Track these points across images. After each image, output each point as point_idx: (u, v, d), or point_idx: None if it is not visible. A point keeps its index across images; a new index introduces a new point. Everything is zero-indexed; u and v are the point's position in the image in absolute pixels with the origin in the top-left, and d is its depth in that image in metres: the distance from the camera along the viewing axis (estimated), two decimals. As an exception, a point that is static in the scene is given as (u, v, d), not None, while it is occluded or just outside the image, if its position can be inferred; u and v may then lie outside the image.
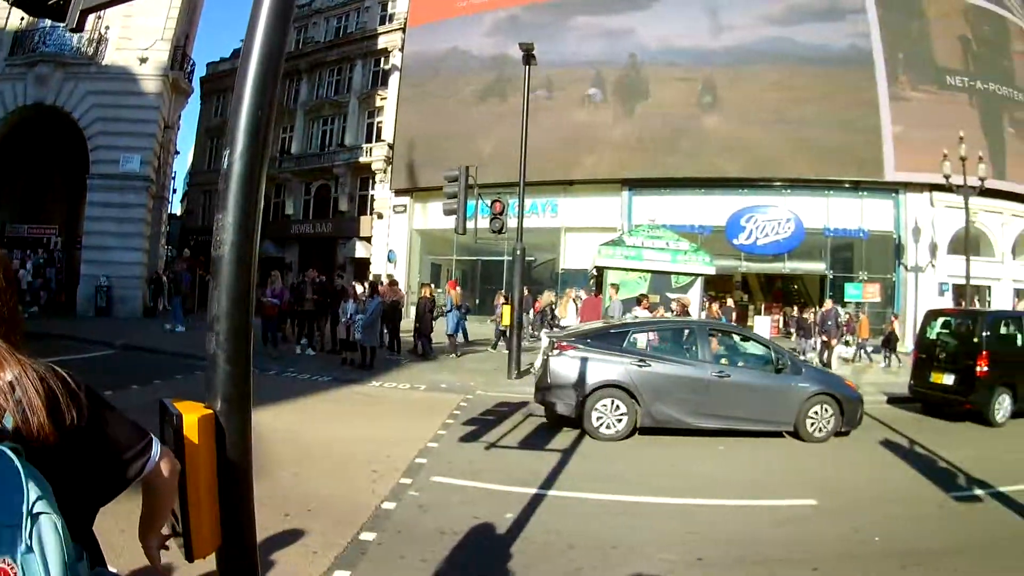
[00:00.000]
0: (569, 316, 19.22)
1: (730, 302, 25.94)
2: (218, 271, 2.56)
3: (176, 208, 51.90)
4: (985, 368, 13.56)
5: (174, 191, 44.12)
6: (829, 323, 21.80)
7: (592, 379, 11.22)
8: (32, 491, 1.51)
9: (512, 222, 18.89)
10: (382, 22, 42.18)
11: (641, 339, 12.20)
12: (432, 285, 23.40)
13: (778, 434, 11.63)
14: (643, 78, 32.57)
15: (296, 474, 8.29)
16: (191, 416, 2.28)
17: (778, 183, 30.82)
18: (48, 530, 1.51)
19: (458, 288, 23.66)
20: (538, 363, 12.86)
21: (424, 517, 7.08)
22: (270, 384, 14.33)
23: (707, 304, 21.09)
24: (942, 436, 12.45)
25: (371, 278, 25.08)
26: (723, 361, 11.98)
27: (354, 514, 6.96)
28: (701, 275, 18.91)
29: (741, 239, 30.48)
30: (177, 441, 2.24)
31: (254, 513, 2.58)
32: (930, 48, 30.62)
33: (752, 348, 12.94)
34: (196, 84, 38.27)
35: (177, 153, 38.13)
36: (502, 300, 23.16)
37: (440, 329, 22.00)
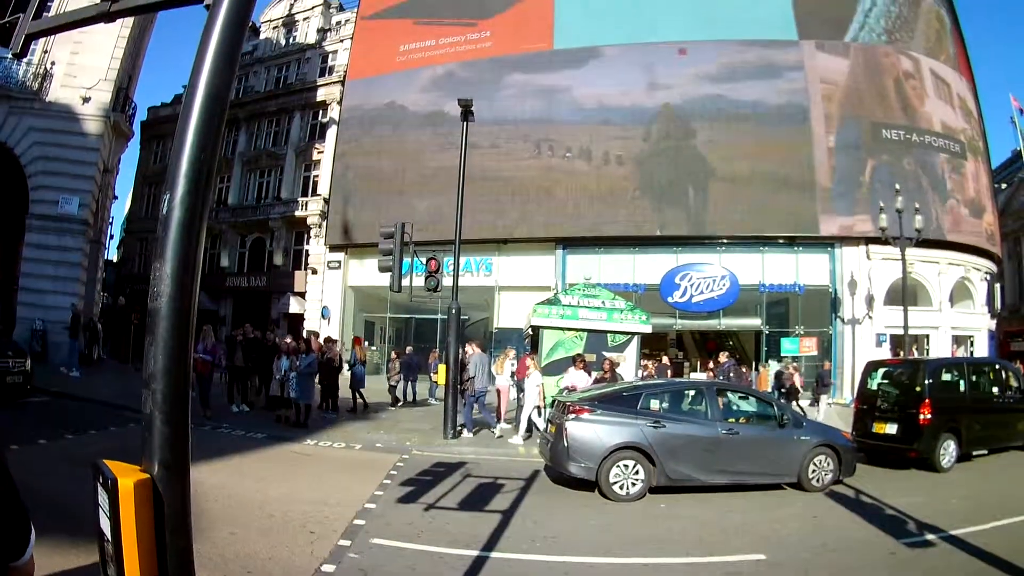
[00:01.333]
0: (505, 374, 19.13)
1: (665, 360, 26.03)
2: (155, 324, 2.45)
3: (112, 254, 51.01)
4: (929, 416, 13.87)
5: (111, 237, 43.26)
6: (719, 378, 22.01)
7: (609, 441, 11.31)
8: None
9: (447, 280, 18.86)
10: (322, 74, 42.33)
11: (655, 401, 12.36)
12: (339, 341, 23.32)
13: (740, 488, 11.65)
14: (579, 136, 32.83)
15: (233, 533, 8.02)
16: (127, 481, 2.14)
17: (713, 241, 31.16)
18: None
19: (363, 344, 24.06)
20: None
21: (365, 581, 6.88)
22: (203, 439, 13.94)
23: (643, 363, 21.16)
24: (888, 484, 12.56)
25: (305, 334, 24.85)
26: (730, 419, 12.25)
27: (294, 578, 6.76)
28: (638, 334, 18.93)
29: (676, 297, 30.66)
30: (112, 508, 2.10)
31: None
32: (866, 102, 31.38)
33: (754, 405, 13.40)
34: (136, 128, 37.56)
35: (115, 198, 37.44)
36: (394, 355, 24.35)
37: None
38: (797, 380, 23.23)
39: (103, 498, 2.15)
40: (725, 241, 31.07)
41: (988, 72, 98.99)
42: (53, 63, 27.27)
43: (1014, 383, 16.05)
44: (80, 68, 27.30)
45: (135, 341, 27.05)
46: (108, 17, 3.67)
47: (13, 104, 26.86)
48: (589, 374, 16.41)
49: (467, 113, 18.44)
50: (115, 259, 53.20)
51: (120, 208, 55.21)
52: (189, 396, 2.51)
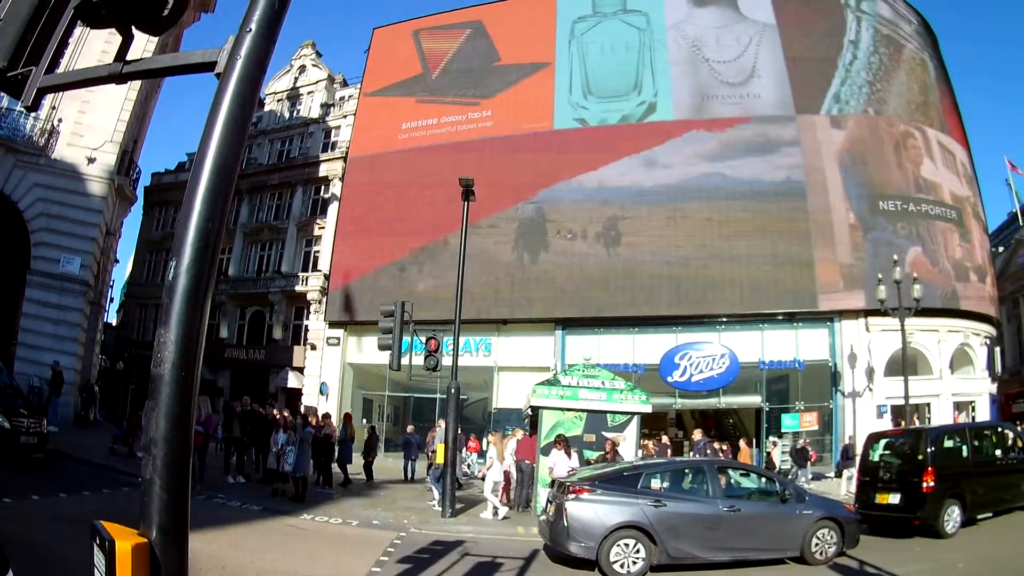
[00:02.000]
0: (507, 455, 19.16)
1: (665, 439, 25.82)
2: (157, 391, 2.46)
3: (112, 318, 51.11)
4: (932, 483, 13.79)
5: (111, 300, 43.18)
6: (695, 455, 21.87)
7: (610, 521, 11.28)
8: None
9: (446, 360, 18.93)
10: (324, 149, 42.55)
11: (655, 480, 12.42)
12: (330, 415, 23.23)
13: (743, 564, 11.54)
14: (578, 216, 32.94)
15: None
16: (124, 544, 2.14)
17: (712, 319, 31.06)
18: None
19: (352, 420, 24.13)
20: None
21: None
22: (198, 508, 13.74)
23: (643, 443, 21.03)
24: (892, 554, 12.47)
25: (303, 410, 24.79)
26: (731, 496, 12.28)
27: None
28: (637, 413, 18.85)
29: (675, 376, 30.38)
30: (108, 570, 2.09)
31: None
32: (863, 175, 31.49)
33: (755, 481, 13.64)
34: (140, 193, 37.63)
35: (117, 262, 37.45)
36: (367, 433, 24.19)
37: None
38: (776, 455, 23.32)
39: (99, 559, 2.14)
40: (724, 319, 30.99)
41: (980, 133, 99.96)
42: (60, 120, 27.33)
43: (1019, 444, 16.03)
44: (87, 127, 27.42)
45: (132, 405, 26.93)
46: (120, 79, 3.74)
47: (19, 158, 26.77)
48: (570, 455, 16.39)
49: (468, 193, 18.62)
50: (115, 322, 53.31)
51: (121, 272, 55.49)
52: (190, 463, 2.51)
